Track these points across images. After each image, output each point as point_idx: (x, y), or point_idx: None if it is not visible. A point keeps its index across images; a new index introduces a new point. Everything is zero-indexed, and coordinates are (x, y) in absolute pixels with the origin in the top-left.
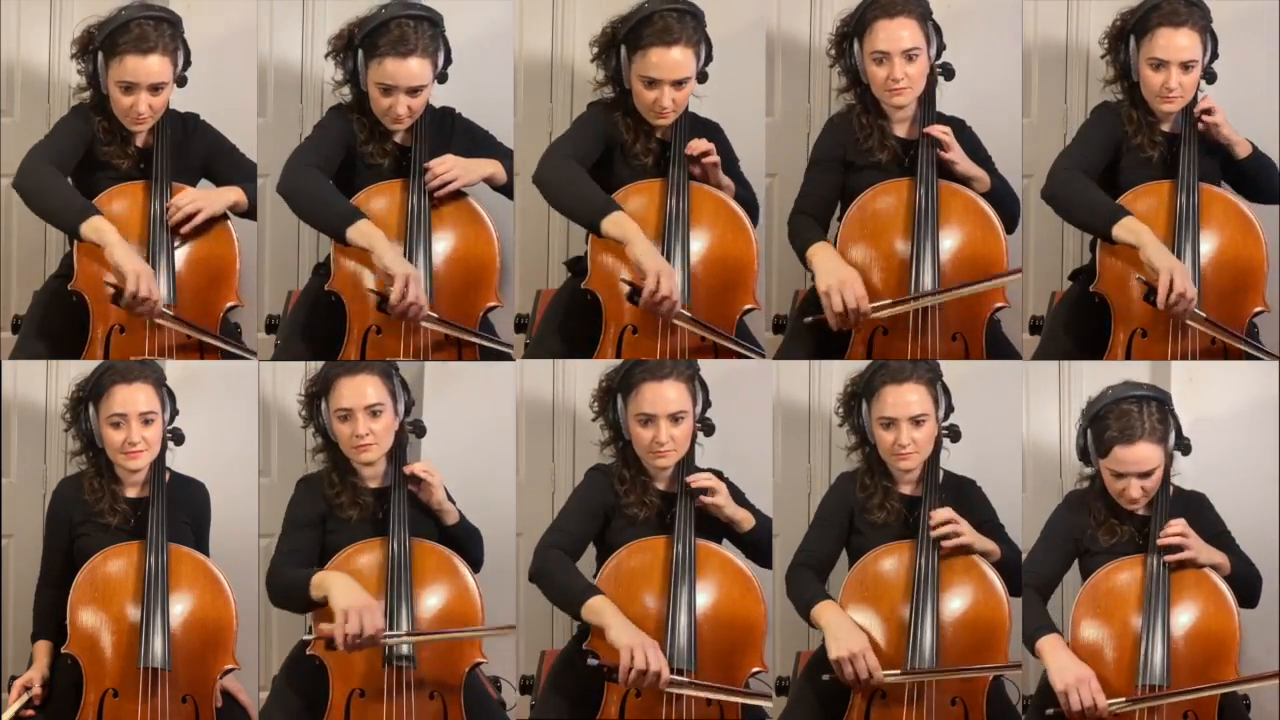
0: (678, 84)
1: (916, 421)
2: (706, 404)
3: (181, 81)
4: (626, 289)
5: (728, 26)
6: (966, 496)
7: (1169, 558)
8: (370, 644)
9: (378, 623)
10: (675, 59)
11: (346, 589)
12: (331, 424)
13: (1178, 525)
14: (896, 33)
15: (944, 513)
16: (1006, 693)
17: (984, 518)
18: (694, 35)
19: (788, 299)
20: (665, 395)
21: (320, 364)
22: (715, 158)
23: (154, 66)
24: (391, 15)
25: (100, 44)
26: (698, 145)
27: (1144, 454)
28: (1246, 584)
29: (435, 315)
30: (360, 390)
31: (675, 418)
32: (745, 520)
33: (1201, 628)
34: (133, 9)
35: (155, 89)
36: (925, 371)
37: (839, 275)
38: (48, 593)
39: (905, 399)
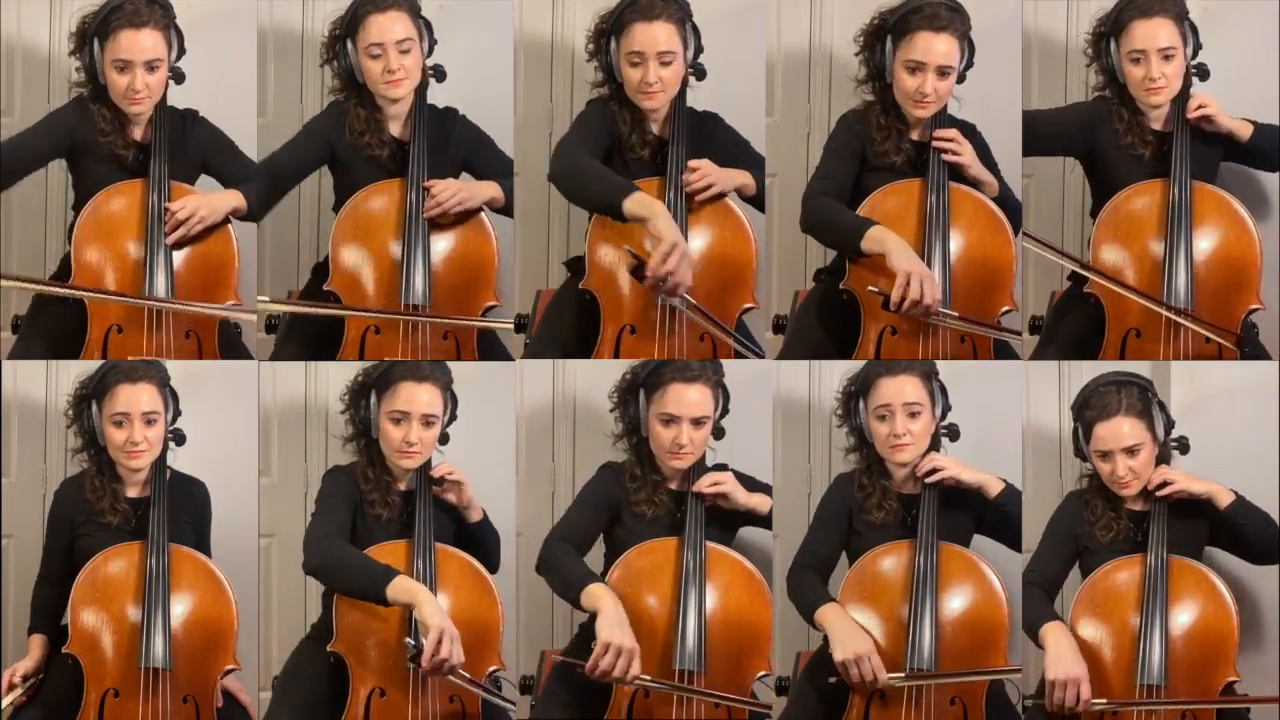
0: (663, 61)
1: (912, 413)
2: (725, 411)
3: (180, 78)
4: (631, 261)
5: (728, 27)
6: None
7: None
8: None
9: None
10: (657, 33)
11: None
12: (379, 422)
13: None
14: (933, 45)
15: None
16: (1006, 693)
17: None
18: (677, 13)
19: (788, 298)
20: (691, 398)
21: (315, 364)
22: (714, 190)
23: (147, 41)
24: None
25: (95, 30)
26: (695, 183)
27: (1122, 428)
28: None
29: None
30: (418, 397)
31: (698, 421)
32: (762, 504)
33: (1200, 627)
34: None
35: (150, 67)
36: (920, 367)
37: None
38: (46, 589)
39: (900, 389)
